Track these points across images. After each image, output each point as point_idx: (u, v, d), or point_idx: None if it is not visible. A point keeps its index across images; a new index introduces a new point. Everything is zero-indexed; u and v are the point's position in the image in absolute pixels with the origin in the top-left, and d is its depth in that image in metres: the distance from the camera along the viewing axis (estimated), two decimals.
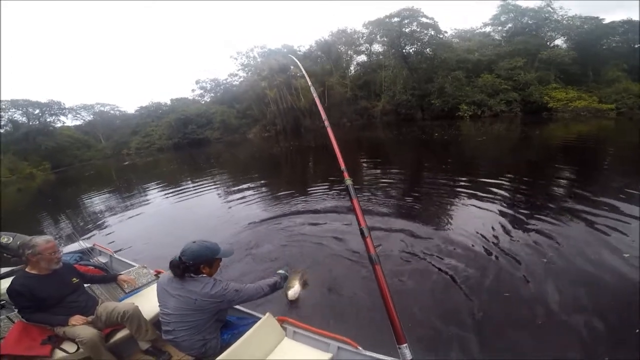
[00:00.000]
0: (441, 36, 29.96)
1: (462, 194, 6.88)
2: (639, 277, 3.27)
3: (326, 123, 1.91)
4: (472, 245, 4.37)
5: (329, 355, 2.01)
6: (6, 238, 2.87)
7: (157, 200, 10.72)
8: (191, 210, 8.62)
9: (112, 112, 53.16)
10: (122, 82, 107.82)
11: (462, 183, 7.73)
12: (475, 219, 5.42)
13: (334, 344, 2.07)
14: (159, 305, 2.09)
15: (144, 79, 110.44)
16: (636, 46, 24.37)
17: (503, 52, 27.89)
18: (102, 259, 3.67)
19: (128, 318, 2.35)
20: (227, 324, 2.25)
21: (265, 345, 2.07)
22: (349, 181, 1.47)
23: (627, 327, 2.70)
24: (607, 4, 43.91)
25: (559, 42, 28.83)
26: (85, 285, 2.71)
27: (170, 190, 11.83)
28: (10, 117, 41.44)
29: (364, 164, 12.88)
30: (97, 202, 12.28)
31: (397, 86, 31.03)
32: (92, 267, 3.19)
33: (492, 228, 4.92)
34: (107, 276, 2.96)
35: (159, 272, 3.12)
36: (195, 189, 11.22)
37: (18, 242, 2.74)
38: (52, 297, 2.30)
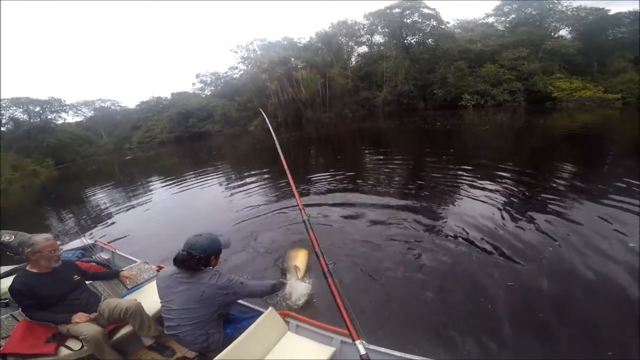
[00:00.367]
0: (443, 27, 29.53)
1: (464, 183, 6.83)
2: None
3: (278, 147, 2.23)
4: (472, 235, 4.34)
5: (332, 349, 2.01)
6: (8, 236, 2.88)
7: (159, 194, 10.74)
8: (193, 203, 8.62)
9: (113, 107, 53.31)
10: (123, 78, 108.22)
11: (464, 172, 7.68)
12: (476, 207, 5.38)
13: (337, 337, 2.07)
14: (161, 301, 2.08)
15: (144, 74, 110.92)
16: None
17: (506, 42, 27.50)
18: (104, 255, 3.67)
19: (131, 314, 2.35)
20: (229, 318, 2.25)
21: (268, 340, 2.07)
22: (305, 217, 1.83)
23: (629, 321, 2.65)
24: None
25: (563, 32, 28.41)
26: (88, 282, 2.71)
27: (172, 184, 11.85)
28: (11, 115, 41.63)
29: (366, 154, 12.86)
30: (99, 197, 12.33)
31: (398, 77, 30.79)
32: (94, 264, 3.19)
33: (494, 216, 4.90)
34: (109, 272, 2.96)
35: (160, 268, 3.10)
36: (197, 182, 11.23)
37: (18, 241, 2.74)
38: (53, 295, 2.30)
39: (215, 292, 1.96)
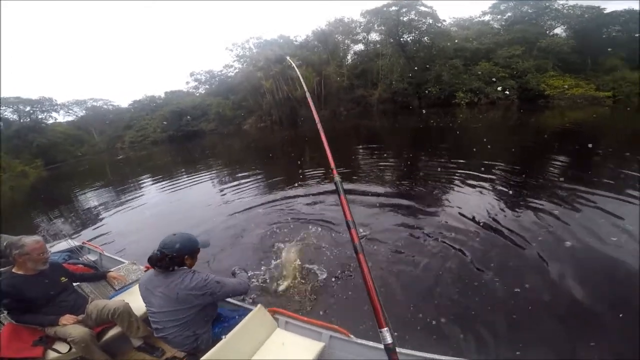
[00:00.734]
0: (439, 25, 29.77)
1: (457, 180, 6.92)
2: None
3: (319, 126, 2.06)
4: (466, 230, 4.40)
5: (322, 344, 2.03)
6: None
7: (150, 194, 10.64)
8: (185, 202, 8.57)
9: (105, 106, 52.60)
10: (115, 77, 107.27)
11: (457, 169, 7.77)
12: (468, 203, 5.45)
13: (326, 333, 2.09)
14: (145, 305, 2.07)
15: (137, 73, 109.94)
16: (636, 35, 24.30)
17: (502, 40, 27.83)
18: (92, 257, 3.64)
19: (119, 315, 2.31)
20: (218, 316, 2.23)
21: (258, 337, 2.08)
22: (337, 178, 1.59)
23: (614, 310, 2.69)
24: None
25: (558, 30, 28.83)
26: (75, 284, 2.68)
27: (164, 184, 11.75)
28: (0, 115, 40.85)
29: (361, 151, 12.86)
30: (89, 198, 12.18)
31: (394, 74, 30.87)
32: (81, 266, 3.15)
33: (486, 213, 4.95)
34: (97, 274, 2.92)
35: (149, 268, 3.03)
36: (190, 181, 11.15)
37: (4, 243, 2.67)
38: (40, 297, 2.27)
39: (188, 293, 1.91)
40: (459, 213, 5.01)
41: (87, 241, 4.22)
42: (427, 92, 28.73)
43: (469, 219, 4.77)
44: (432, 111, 24.56)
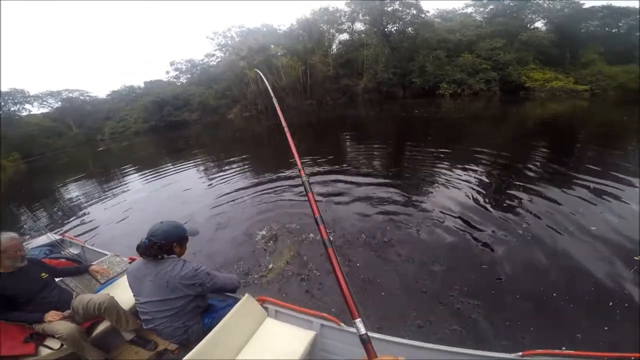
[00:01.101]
0: (423, 16, 29.80)
1: (440, 168, 7.11)
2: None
3: (286, 129, 2.13)
4: (445, 219, 4.52)
5: (313, 332, 2.02)
6: None
7: (132, 185, 10.42)
8: (169, 193, 8.44)
9: (81, 97, 50.19)
10: (90, 67, 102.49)
11: (440, 157, 7.97)
12: (451, 191, 5.65)
13: (317, 321, 2.08)
14: (134, 296, 2.04)
15: (113, 64, 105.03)
16: (613, 31, 25.06)
17: (484, 32, 28.12)
18: (74, 250, 3.53)
19: (105, 309, 2.29)
20: (208, 307, 2.21)
21: (248, 327, 2.05)
22: (305, 177, 1.63)
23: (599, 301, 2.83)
24: None
25: (539, 24, 29.26)
26: (58, 279, 2.62)
27: (147, 174, 11.51)
28: None
29: (347, 140, 12.93)
30: (70, 190, 11.81)
31: (378, 65, 30.85)
32: (63, 260, 3.05)
33: (468, 200, 5.14)
34: (79, 268, 2.83)
35: (132, 260, 3.01)
36: (173, 172, 10.99)
37: None
38: (20, 294, 2.22)
39: (178, 282, 1.89)
40: (442, 200, 5.19)
41: (68, 234, 4.11)
42: (411, 82, 28.86)
43: (451, 205, 4.93)
44: (417, 101, 24.76)
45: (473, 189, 5.64)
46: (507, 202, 4.97)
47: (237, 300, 2.19)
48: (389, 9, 29.22)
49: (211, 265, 3.81)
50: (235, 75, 34.29)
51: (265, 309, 2.24)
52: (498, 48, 26.42)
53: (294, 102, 32.84)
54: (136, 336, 2.46)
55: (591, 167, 6.15)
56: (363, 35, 34.48)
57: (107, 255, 3.15)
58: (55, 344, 2.20)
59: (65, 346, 2.17)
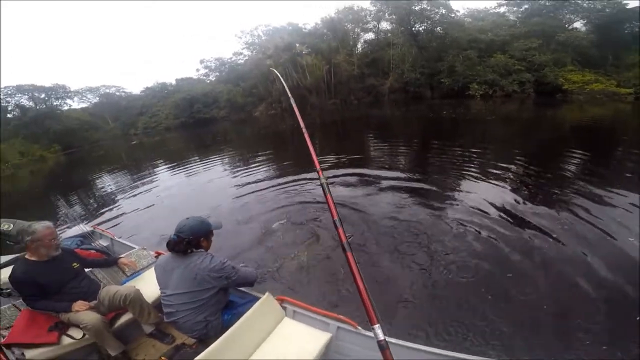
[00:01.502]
0: (452, 15, 28.87)
1: (467, 171, 6.84)
2: None
3: (304, 130, 2.13)
4: (472, 226, 4.33)
5: (329, 334, 2.01)
6: (7, 225, 2.82)
7: (163, 179, 10.82)
8: (196, 188, 8.70)
9: (117, 93, 52.98)
10: (126, 64, 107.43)
11: (469, 161, 7.68)
12: (478, 196, 5.39)
13: (334, 323, 2.07)
14: (160, 288, 2.10)
15: (148, 61, 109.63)
16: None
17: (518, 32, 26.73)
18: (103, 242, 3.65)
19: (130, 301, 2.35)
20: (228, 303, 2.25)
21: (266, 325, 2.07)
22: (323, 179, 1.60)
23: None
24: None
25: (577, 24, 27.44)
26: (87, 269, 2.70)
27: (176, 169, 11.95)
28: (17, 102, 41.64)
29: (371, 140, 12.79)
30: (104, 182, 12.47)
31: (405, 64, 30.22)
32: (93, 251, 3.16)
33: (495, 208, 4.87)
34: (108, 260, 2.93)
35: (159, 254, 3.09)
36: (201, 167, 11.33)
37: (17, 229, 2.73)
38: (53, 283, 2.28)
39: (207, 274, 1.97)
40: (468, 205, 5.00)
41: (99, 226, 4.30)
42: (440, 82, 28.05)
43: (479, 211, 4.74)
44: (446, 102, 24.08)
45: (503, 193, 5.41)
46: (538, 209, 4.71)
47: (257, 298, 2.23)
48: (417, 8, 28.43)
49: (231, 259, 3.88)
50: (261, 74, 34.79)
51: (284, 308, 2.26)
52: (533, 48, 25.07)
53: (318, 101, 32.89)
54: (155, 329, 2.52)
55: (630, 175, 5.71)
56: (389, 35, 33.88)
57: (135, 248, 3.23)
58: (77, 333, 2.24)
59: (87, 336, 2.22)
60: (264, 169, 9.29)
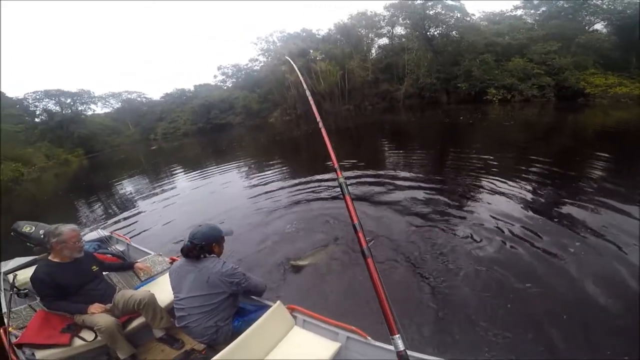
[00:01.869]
0: (468, 19, 28.56)
1: (486, 177, 6.66)
2: None
3: (320, 124, 2.05)
4: (490, 234, 4.21)
5: (338, 344, 2.01)
6: (29, 227, 2.97)
7: (179, 184, 11.08)
8: (211, 193, 8.85)
9: (138, 99, 54.96)
10: (147, 71, 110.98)
11: (485, 167, 7.49)
12: (498, 203, 5.24)
13: (343, 333, 2.06)
14: (173, 292, 2.17)
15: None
16: None
17: (536, 35, 26.04)
18: (120, 247, 3.74)
19: (144, 306, 2.40)
20: (238, 310, 2.29)
21: (276, 334, 2.09)
22: (342, 179, 1.51)
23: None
24: None
25: (598, 26, 26.46)
26: (104, 273, 2.78)
27: (193, 175, 12.18)
28: (44, 107, 43.70)
29: (386, 145, 12.71)
30: (124, 186, 12.88)
31: (420, 69, 29.94)
32: (109, 256, 3.27)
33: (514, 217, 4.71)
34: (124, 264, 3.03)
35: (173, 260, 3.14)
36: (217, 173, 11.50)
37: (41, 231, 2.84)
38: (73, 284, 2.36)
39: (219, 279, 2.05)
40: (488, 211, 4.87)
41: (116, 231, 4.41)
42: (456, 87, 27.63)
43: (498, 219, 4.60)
44: (462, 107, 23.66)
45: (523, 201, 5.23)
46: (560, 216, 4.53)
47: (268, 306, 2.25)
48: (431, 12, 28.28)
49: (243, 265, 3.92)
50: (276, 80, 35.32)
51: (294, 317, 2.27)
52: (553, 52, 24.31)
53: (332, 107, 33.03)
54: (166, 334, 2.56)
55: None
56: (404, 40, 33.70)
57: (150, 254, 3.31)
58: (89, 335, 2.30)
59: (98, 339, 2.27)
60: (279, 174, 9.38)
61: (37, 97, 42.77)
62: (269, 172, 9.87)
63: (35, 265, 2.41)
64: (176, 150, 26.66)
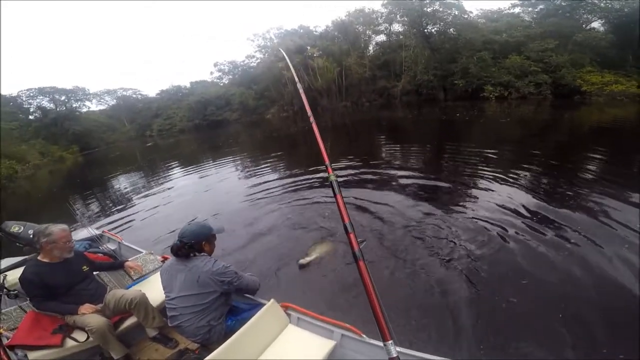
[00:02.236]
0: (465, 16, 28.51)
1: (482, 174, 6.67)
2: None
3: (311, 119, 2.03)
4: (485, 233, 4.19)
5: (333, 342, 1.99)
6: (17, 227, 2.91)
7: (174, 180, 11.01)
8: (206, 190, 8.78)
9: (134, 96, 54.57)
10: (143, 67, 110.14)
11: (481, 163, 7.51)
12: (494, 200, 5.22)
13: (338, 331, 2.05)
14: (164, 292, 2.14)
15: (164, 64, 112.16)
16: None
17: (533, 33, 26.12)
18: (111, 246, 3.68)
19: (135, 305, 2.37)
20: (231, 309, 2.26)
21: (270, 332, 2.07)
22: (333, 177, 1.45)
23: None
24: None
25: (595, 25, 26.59)
26: (94, 272, 2.74)
27: (188, 170, 12.18)
28: (38, 104, 43.34)
29: (383, 142, 12.71)
30: (118, 183, 12.80)
31: (418, 66, 29.95)
32: (100, 255, 3.21)
33: (510, 212, 4.72)
34: (115, 263, 2.96)
35: (165, 258, 3.11)
36: (213, 170, 11.44)
37: (30, 231, 2.79)
38: (62, 285, 2.32)
39: (209, 278, 2.00)
40: (483, 209, 4.87)
41: (107, 229, 4.36)
42: (453, 84, 27.68)
43: (493, 215, 4.61)
44: (459, 104, 23.72)
45: (518, 197, 5.22)
46: (556, 212, 4.53)
47: (261, 304, 2.23)
48: (429, 9, 28.21)
49: (236, 263, 3.88)
50: (273, 76, 35.18)
51: (288, 315, 2.25)
52: (550, 49, 24.43)
53: (329, 104, 32.99)
54: (159, 334, 2.53)
55: None
56: (401, 37, 33.69)
57: (142, 252, 3.26)
58: (81, 336, 2.27)
59: (90, 339, 2.24)
60: (274, 171, 9.36)
61: (31, 94, 42.48)
62: (265, 168, 9.85)
63: (24, 266, 2.36)
64: (172, 147, 26.54)
